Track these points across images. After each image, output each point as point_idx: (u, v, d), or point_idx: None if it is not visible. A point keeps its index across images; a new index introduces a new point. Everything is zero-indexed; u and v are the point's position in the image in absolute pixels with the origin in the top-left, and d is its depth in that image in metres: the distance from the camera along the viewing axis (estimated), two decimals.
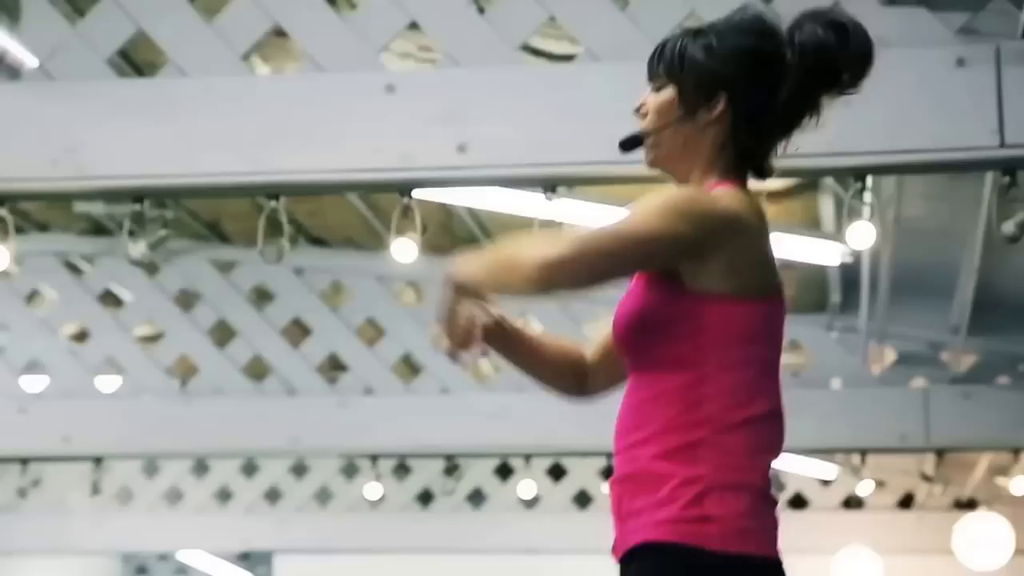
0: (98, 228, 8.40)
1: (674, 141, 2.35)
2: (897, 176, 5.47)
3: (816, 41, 2.36)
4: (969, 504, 10.15)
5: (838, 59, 2.36)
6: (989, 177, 4.82)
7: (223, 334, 8.52)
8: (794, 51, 2.35)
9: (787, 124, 2.38)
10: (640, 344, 2.30)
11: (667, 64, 2.36)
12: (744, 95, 2.33)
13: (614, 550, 2.29)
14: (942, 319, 7.49)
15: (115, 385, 8.55)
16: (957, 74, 3.99)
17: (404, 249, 4.47)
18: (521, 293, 2.32)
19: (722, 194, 2.31)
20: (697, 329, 2.26)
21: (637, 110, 2.41)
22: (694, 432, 2.24)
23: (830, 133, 4.08)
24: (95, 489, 9.18)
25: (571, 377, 2.58)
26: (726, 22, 2.39)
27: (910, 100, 4.00)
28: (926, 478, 9.16)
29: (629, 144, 2.39)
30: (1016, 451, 8.41)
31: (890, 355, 8.25)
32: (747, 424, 2.24)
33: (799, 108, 2.37)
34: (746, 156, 2.37)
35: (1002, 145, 3.95)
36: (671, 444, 2.24)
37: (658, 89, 2.38)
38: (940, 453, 8.40)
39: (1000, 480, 9.44)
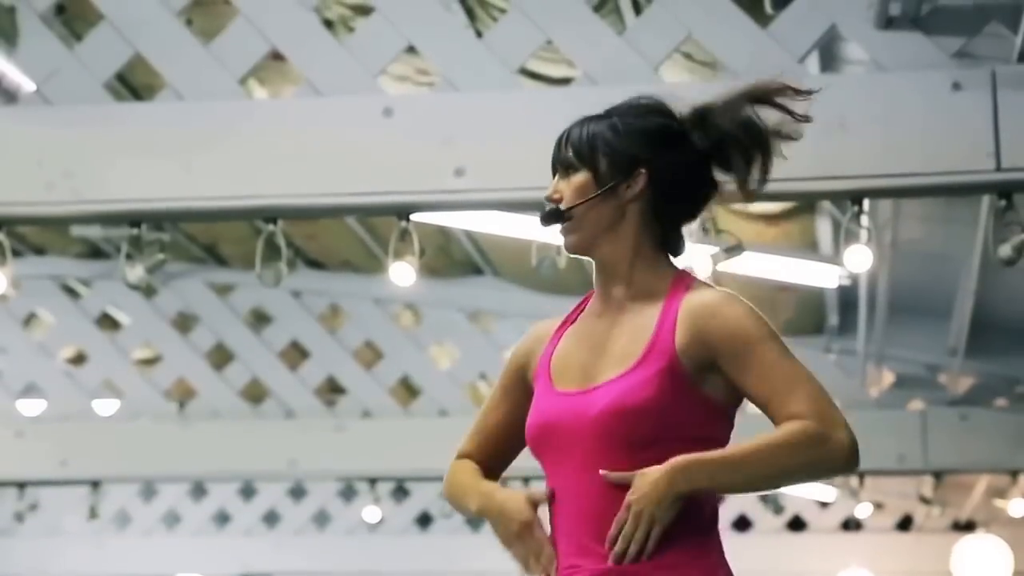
0: (95, 251, 8.41)
1: (597, 221, 2.32)
2: (894, 199, 5.47)
3: (725, 131, 2.34)
4: (967, 526, 10.15)
5: (747, 150, 2.34)
6: (985, 200, 4.83)
7: (221, 357, 8.52)
8: (702, 133, 2.34)
9: (699, 202, 2.38)
10: (635, 444, 2.23)
11: (577, 149, 2.33)
12: (661, 170, 2.32)
13: None
14: (940, 341, 7.49)
15: (112, 408, 8.55)
16: (953, 98, 3.99)
17: (402, 272, 4.47)
18: (826, 474, 2.28)
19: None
20: (702, 437, 2.26)
21: (548, 198, 2.36)
22: (685, 530, 2.27)
23: (827, 157, 4.11)
24: (92, 513, 9.16)
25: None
26: (626, 106, 2.39)
27: (906, 123, 4.01)
28: (924, 500, 9.15)
29: (549, 218, 2.34)
30: (1014, 473, 8.41)
31: (888, 377, 8.26)
32: None
33: (709, 188, 2.36)
34: (668, 235, 2.36)
35: (998, 169, 3.95)
36: (681, 543, 2.26)
37: (568, 176, 2.34)
38: (938, 475, 8.40)
39: (998, 502, 9.43)
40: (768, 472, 2.20)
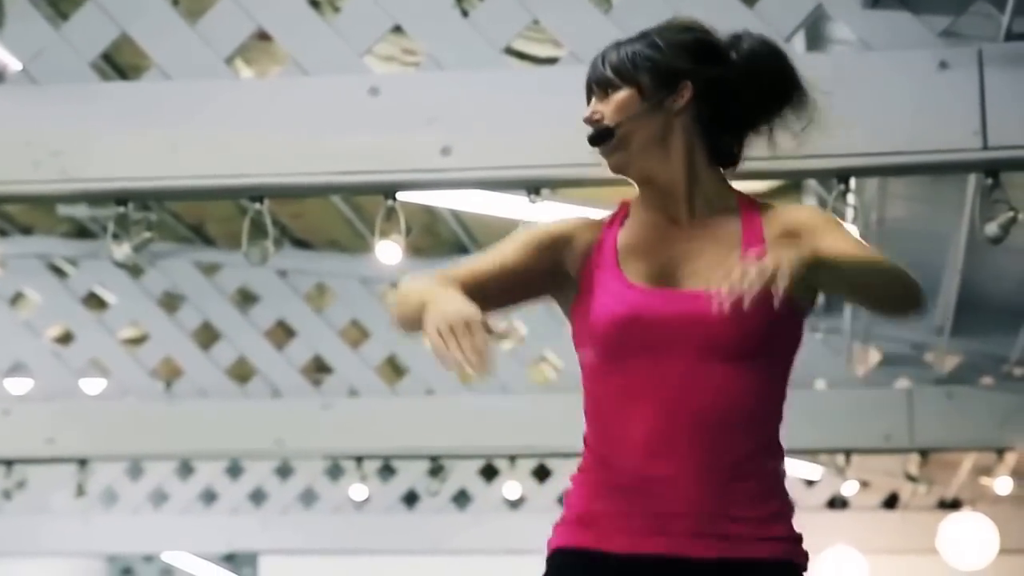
0: (82, 230, 8.39)
1: (645, 136, 2.28)
2: (880, 178, 5.48)
3: (761, 49, 2.34)
4: (953, 504, 10.18)
5: (783, 68, 2.34)
6: (972, 179, 4.84)
7: (207, 336, 8.51)
8: (739, 52, 2.34)
9: (748, 117, 2.36)
10: (760, 353, 2.23)
11: (617, 68, 2.31)
12: (706, 81, 2.30)
13: (684, 543, 2.19)
14: (926, 320, 7.51)
15: (99, 387, 8.55)
16: (940, 76, 4.00)
17: (388, 251, 4.47)
18: (898, 301, 2.24)
19: None
20: (797, 344, 2.32)
21: (588, 119, 2.34)
22: (781, 449, 2.32)
23: (813, 135, 4.10)
24: (80, 491, 9.16)
25: None
26: (662, 26, 2.39)
27: (893, 102, 4.01)
28: (910, 478, 9.18)
29: (599, 138, 2.30)
30: (1000, 451, 8.43)
31: (874, 356, 8.27)
32: None
33: (757, 102, 2.34)
34: (720, 148, 2.34)
35: (985, 147, 3.96)
36: (777, 460, 2.30)
37: (607, 96, 2.32)
38: (924, 453, 8.42)
39: (984, 480, 9.46)
40: (872, 274, 2.20)
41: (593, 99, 2.35)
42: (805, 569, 2.26)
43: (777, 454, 2.28)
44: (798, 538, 2.26)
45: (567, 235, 2.35)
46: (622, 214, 2.37)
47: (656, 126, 2.29)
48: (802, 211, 2.34)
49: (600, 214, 2.38)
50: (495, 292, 2.35)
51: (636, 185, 2.35)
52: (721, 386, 2.21)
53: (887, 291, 2.23)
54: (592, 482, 2.28)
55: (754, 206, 2.32)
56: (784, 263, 2.05)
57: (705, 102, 2.31)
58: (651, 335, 2.22)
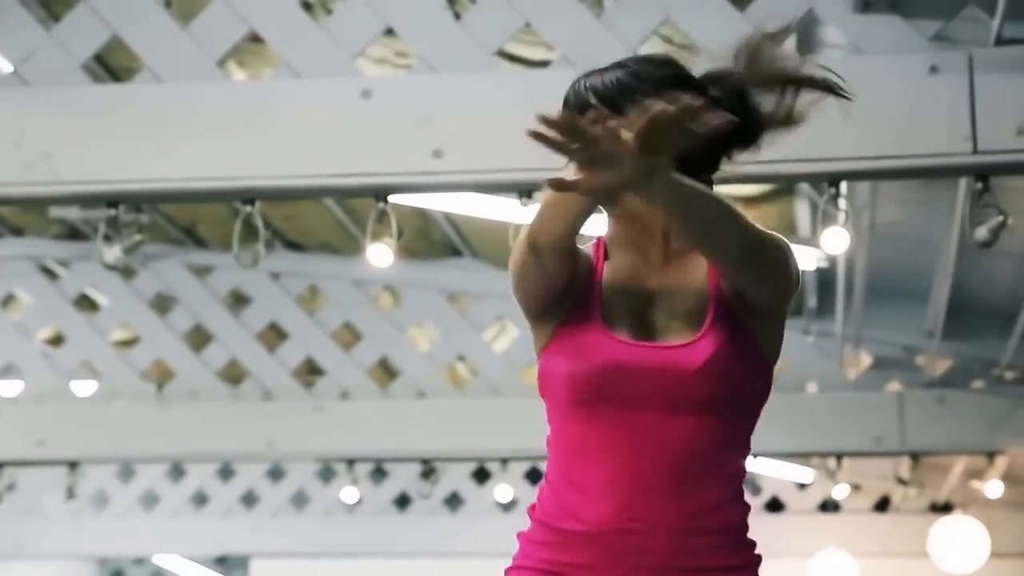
0: (73, 232, 8.39)
1: None
2: (871, 182, 5.49)
3: (737, 88, 2.32)
4: (944, 507, 10.19)
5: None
6: (962, 183, 4.85)
7: (199, 338, 8.51)
8: (722, 87, 2.31)
9: (724, 153, 2.33)
10: (731, 405, 2.22)
11: (604, 97, 2.26)
12: None
13: None
14: (917, 323, 7.53)
15: (90, 389, 8.54)
16: (930, 81, 4.01)
17: (380, 254, 4.48)
18: (723, 234, 2.12)
19: None
20: (764, 399, 2.28)
21: None
22: (746, 504, 2.31)
23: (804, 139, 4.10)
24: (70, 493, 9.14)
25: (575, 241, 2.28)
26: (639, 59, 2.34)
27: (884, 106, 4.02)
28: (902, 481, 9.19)
29: None
30: (991, 455, 8.44)
31: (866, 359, 8.29)
32: None
33: (735, 139, 2.30)
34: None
35: (975, 151, 3.97)
36: (743, 512, 2.28)
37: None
38: (915, 457, 8.43)
39: (975, 483, 9.47)
40: (709, 212, 2.11)
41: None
42: None
43: (743, 505, 2.28)
44: None
45: (579, 256, 2.31)
46: (601, 252, 2.34)
47: None
48: None
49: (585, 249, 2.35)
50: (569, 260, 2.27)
51: (611, 219, 2.33)
52: (690, 439, 2.20)
53: (716, 224, 2.13)
54: (557, 529, 2.25)
55: None
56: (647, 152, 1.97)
57: None
58: (625, 388, 2.22)
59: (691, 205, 2.09)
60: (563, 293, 2.28)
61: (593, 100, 2.27)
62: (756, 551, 2.28)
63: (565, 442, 2.27)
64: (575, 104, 2.31)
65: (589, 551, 2.21)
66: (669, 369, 2.21)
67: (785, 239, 2.27)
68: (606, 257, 2.33)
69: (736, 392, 2.23)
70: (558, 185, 2.00)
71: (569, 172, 2.04)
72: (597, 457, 2.22)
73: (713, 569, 2.21)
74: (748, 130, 2.32)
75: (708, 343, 2.22)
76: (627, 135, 1.96)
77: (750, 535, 2.28)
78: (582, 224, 2.21)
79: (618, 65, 2.32)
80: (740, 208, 2.17)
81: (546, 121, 1.94)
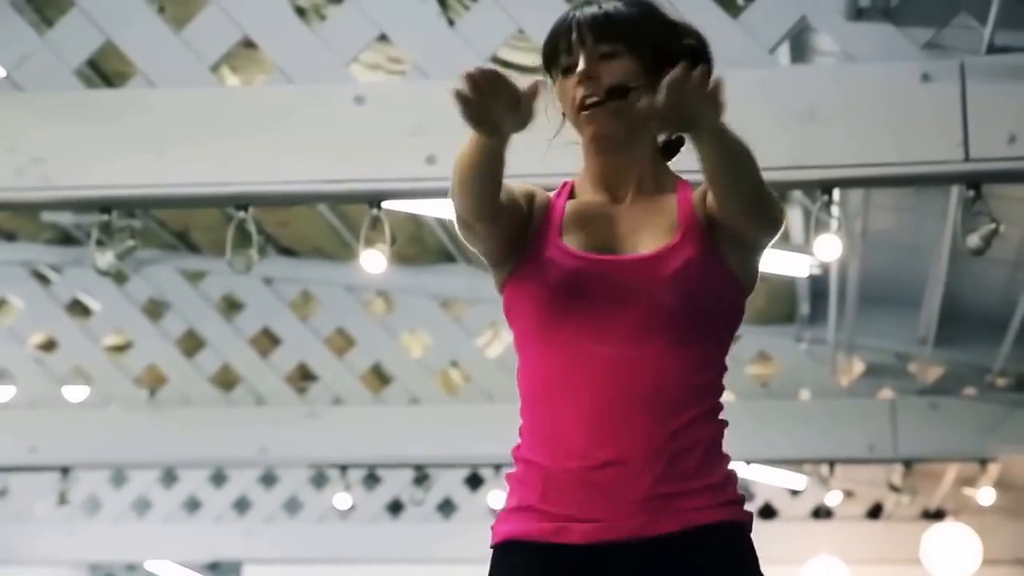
0: (66, 237, 8.38)
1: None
2: (863, 189, 5.50)
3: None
4: (937, 514, 10.20)
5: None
6: (955, 191, 4.86)
7: (192, 344, 8.50)
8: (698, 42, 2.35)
9: None
10: (702, 317, 2.21)
11: (623, 34, 2.25)
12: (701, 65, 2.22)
13: (644, 524, 2.15)
14: (909, 331, 7.53)
15: (83, 395, 8.53)
16: (922, 89, 4.02)
17: (373, 260, 4.48)
18: (742, 181, 2.14)
19: None
20: (737, 319, 2.29)
21: (587, 75, 2.24)
22: (723, 421, 2.29)
23: (797, 146, 4.13)
24: (62, 499, 9.13)
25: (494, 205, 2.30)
26: (655, 4, 2.35)
27: (876, 114, 4.03)
28: (894, 488, 9.20)
29: (618, 92, 2.20)
30: (983, 462, 8.45)
31: (858, 366, 8.29)
32: None
33: None
34: (670, 139, 2.35)
35: (967, 159, 3.98)
36: (719, 428, 2.26)
37: (610, 56, 2.25)
38: (908, 463, 8.44)
39: (967, 490, 9.48)
40: (745, 162, 2.13)
41: (582, 55, 2.27)
42: (751, 528, 2.26)
43: (718, 423, 2.26)
44: (742, 499, 2.27)
45: (534, 197, 2.33)
46: (566, 191, 2.34)
47: None
48: None
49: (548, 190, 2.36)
50: (509, 210, 2.28)
51: (594, 159, 2.31)
52: (657, 361, 2.19)
53: (751, 179, 2.16)
54: (537, 470, 2.22)
55: (686, 185, 2.32)
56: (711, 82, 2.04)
57: None
58: (592, 302, 2.20)
59: (734, 151, 2.12)
60: (518, 237, 2.28)
61: (613, 37, 2.26)
62: (730, 466, 2.26)
63: (536, 372, 2.25)
64: (591, 24, 2.29)
65: (572, 489, 2.19)
66: (640, 277, 2.20)
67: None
68: (571, 197, 2.33)
69: (704, 305, 2.22)
70: (644, 109, 2.04)
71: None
72: (567, 387, 2.20)
73: (697, 490, 2.19)
74: None
75: (676, 254, 2.21)
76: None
77: (725, 449, 2.26)
78: (493, 188, 2.20)
79: (637, 3, 2.32)
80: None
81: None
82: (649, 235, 2.24)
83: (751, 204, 2.18)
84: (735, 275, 2.25)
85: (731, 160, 2.12)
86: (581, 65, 2.27)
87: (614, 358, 2.19)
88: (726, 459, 2.27)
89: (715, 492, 2.21)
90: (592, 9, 2.30)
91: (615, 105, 2.24)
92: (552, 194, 2.34)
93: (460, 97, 2.09)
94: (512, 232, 2.27)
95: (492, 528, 2.32)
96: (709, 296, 2.22)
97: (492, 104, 2.10)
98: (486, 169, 2.18)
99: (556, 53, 2.33)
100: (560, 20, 2.34)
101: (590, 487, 2.18)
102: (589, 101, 2.26)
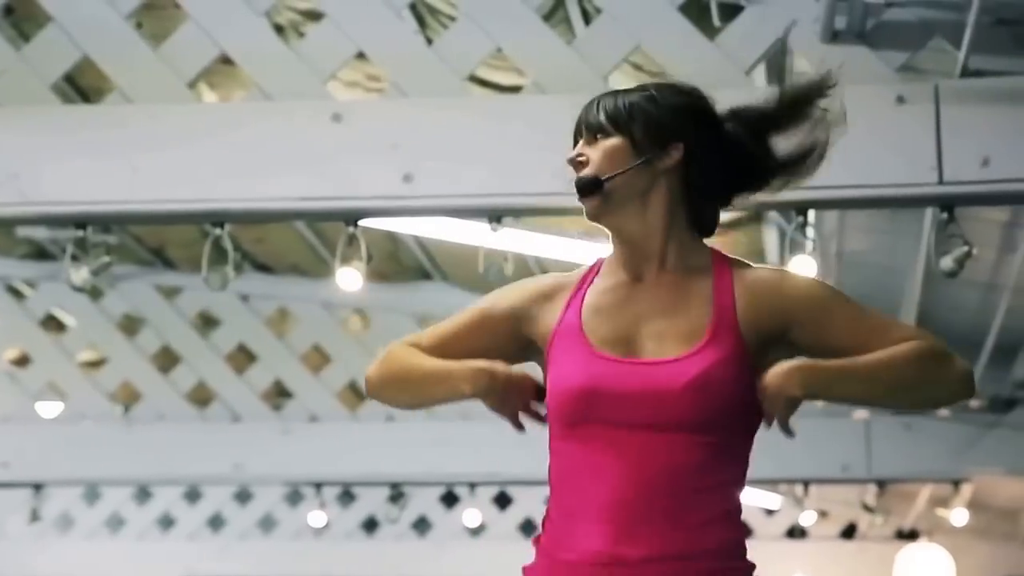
0: (41, 253, 8.35)
1: (628, 191, 2.25)
2: (839, 210, 5.52)
3: (760, 114, 2.35)
4: (910, 535, 10.24)
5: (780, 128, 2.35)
6: (929, 213, 4.88)
7: (167, 360, 8.48)
8: (736, 120, 2.34)
9: (732, 185, 2.34)
10: (718, 425, 2.20)
11: (613, 115, 2.27)
12: (698, 146, 2.28)
13: None
14: None
15: (56, 411, 8.50)
16: (897, 111, 4.04)
17: (349, 277, 4.47)
18: (938, 393, 2.22)
19: None
20: (759, 420, 2.26)
21: (573, 160, 2.29)
22: (741, 524, 2.28)
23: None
24: (34, 516, 9.09)
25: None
26: (661, 84, 2.36)
27: (851, 136, 4.02)
28: (868, 508, 9.22)
29: (587, 188, 2.25)
30: (956, 483, 8.49)
31: None
32: None
33: (747, 170, 2.32)
34: (700, 213, 2.31)
35: (940, 182, 4.00)
36: (737, 533, 2.26)
37: (595, 142, 2.28)
38: (882, 484, 8.47)
39: (940, 511, 9.51)
40: (888, 383, 2.15)
41: (580, 141, 2.31)
42: None
43: (737, 527, 2.25)
44: None
45: (524, 308, 2.33)
46: (594, 272, 2.34)
47: (641, 182, 2.26)
48: (797, 285, 2.28)
49: (576, 269, 2.36)
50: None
51: (610, 238, 2.33)
52: (678, 457, 2.18)
53: (921, 390, 2.21)
54: (557, 560, 2.23)
55: (726, 263, 2.30)
56: (784, 391, 2.12)
57: (694, 167, 2.28)
58: (611, 406, 2.20)
59: (870, 390, 2.19)
60: (519, 341, 2.33)
61: (603, 119, 2.29)
62: (751, 566, 2.26)
63: (559, 467, 2.26)
64: (584, 120, 2.33)
65: None
66: (652, 385, 2.19)
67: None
68: (594, 278, 2.33)
69: (724, 412, 2.20)
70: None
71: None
72: (588, 481, 2.21)
73: None
74: (760, 171, 2.33)
75: (698, 360, 2.19)
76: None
77: (747, 557, 2.26)
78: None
79: (639, 88, 2.34)
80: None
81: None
82: (672, 330, 2.23)
83: (933, 400, 2.26)
84: (761, 372, 2.20)
85: (877, 398, 2.22)
86: (572, 152, 2.32)
87: (630, 457, 2.19)
88: (745, 568, 2.26)
89: None
90: (593, 103, 2.34)
91: (588, 198, 2.28)
92: (579, 275, 2.35)
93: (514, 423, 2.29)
94: (515, 348, 2.35)
95: None
96: (729, 401, 2.20)
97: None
98: (438, 400, 2.38)
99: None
100: (585, 107, 2.38)
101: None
102: (577, 191, 2.31)
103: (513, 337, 2.33)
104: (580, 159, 2.29)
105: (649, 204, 2.27)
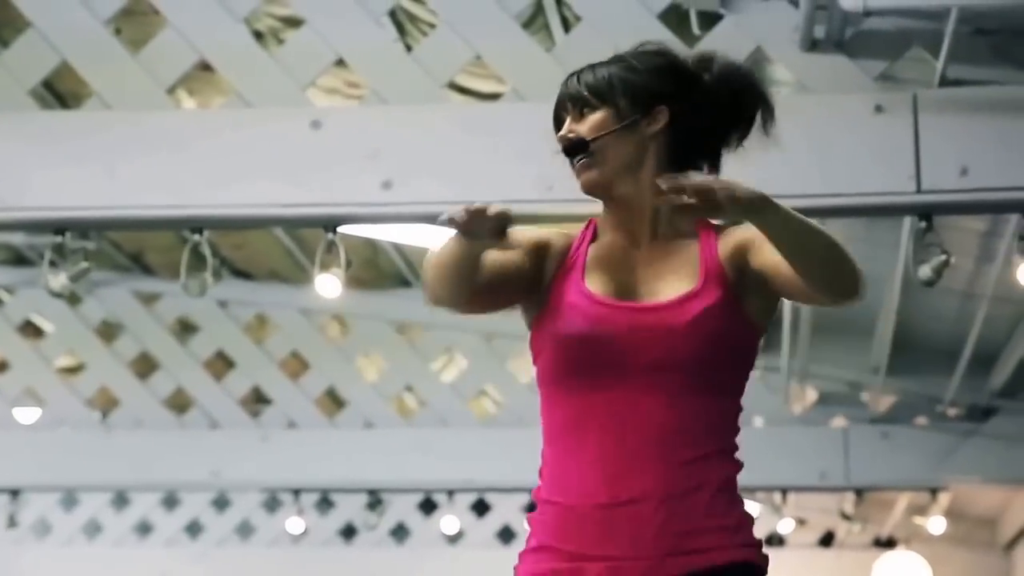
0: (18, 258, 8.33)
1: (618, 158, 2.28)
2: (817, 219, 5.53)
3: (733, 69, 2.38)
4: (888, 543, 10.25)
5: (753, 89, 2.38)
6: (907, 222, 4.90)
7: (145, 366, 8.46)
8: (711, 75, 2.37)
9: (720, 140, 2.38)
10: (716, 365, 2.26)
11: (594, 87, 2.31)
12: (682, 106, 2.31)
13: (657, 564, 2.20)
14: (862, 360, 7.58)
15: (34, 417, 8.47)
16: (875, 120, 4.05)
17: (328, 284, 4.47)
18: (823, 264, 2.18)
19: None
20: (752, 360, 2.33)
21: (564, 137, 2.32)
22: (737, 461, 2.34)
23: (750, 176, 4.14)
24: (11, 522, 9.05)
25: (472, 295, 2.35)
26: (635, 50, 2.40)
27: (829, 145, 4.06)
28: (846, 517, 9.24)
29: (574, 149, 2.29)
30: (934, 491, 8.51)
31: (811, 395, 8.33)
32: None
33: (731, 123, 2.36)
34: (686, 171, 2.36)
35: (918, 191, 4.01)
36: (733, 469, 2.32)
37: (582, 117, 2.31)
38: (859, 492, 8.48)
39: (918, 519, 9.53)
40: (812, 238, 2.16)
41: (567, 119, 2.34)
42: (766, 571, 2.30)
43: (733, 463, 2.32)
44: (760, 543, 2.31)
45: (548, 242, 2.37)
46: (590, 232, 2.39)
47: (630, 148, 2.30)
48: (745, 227, 2.31)
49: (572, 230, 2.39)
50: (497, 284, 2.32)
51: (604, 204, 2.37)
52: (671, 403, 2.24)
53: (827, 263, 2.20)
54: (554, 510, 2.28)
55: (710, 228, 2.35)
56: (731, 186, 2.09)
57: (679, 126, 2.32)
58: (611, 348, 2.25)
59: (804, 233, 2.16)
60: (526, 292, 2.33)
61: (586, 92, 2.32)
62: (745, 508, 2.31)
63: (555, 415, 2.30)
64: (566, 95, 2.36)
65: (589, 528, 2.24)
66: (657, 325, 2.24)
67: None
68: (595, 237, 2.37)
69: (721, 353, 2.26)
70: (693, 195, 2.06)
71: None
72: (586, 428, 2.25)
73: (712, 529, 2.24)
74: (737, 121, 2.37)
75: (696, 303, 2.25)
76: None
77: (740, 493, 2.32)
78: (470, 280, 2.26)
79: (615, 59, 2.37)
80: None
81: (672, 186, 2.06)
82: (669, 281, 2.29)
83: (827, 281, 2.21)
84: (753, 320, 2.29)
85: (793, 240, 2.17)
86: (564, 129, 2.35)
87: (628, 401, 2.24)
88: (740, 501, 2.31)
89: (730, 533, 2.26)
90: (572, 78, 2.37)
91: (580, 163, 2.31)
92: (576, 235, 2.39)
93: (451, 223, 2.19)
94: (512, 295, 2.33)
95: (514, 569, 2.35)
96: (725, 343, 2.27)
97: (477, 228, 2.19)
98: (466, 267, 2.25)
99: (560, 123, 2.39)
100: (564, 84, 2.40)
101: (605, 526, 2.23)
102: (565, 153, 2.34)
103: (533, 274, 2.34)
104: (571, 135, 2.33)
105: (641, 169, 2.31)
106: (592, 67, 2.36)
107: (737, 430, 2.34)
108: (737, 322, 2.27)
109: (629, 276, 2.31)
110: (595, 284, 2.30)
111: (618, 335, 2.25)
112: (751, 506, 10.19)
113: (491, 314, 2.38)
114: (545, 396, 2.33)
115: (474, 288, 2.27)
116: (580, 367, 2.27)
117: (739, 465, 2.33)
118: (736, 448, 2.33)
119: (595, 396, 2.25)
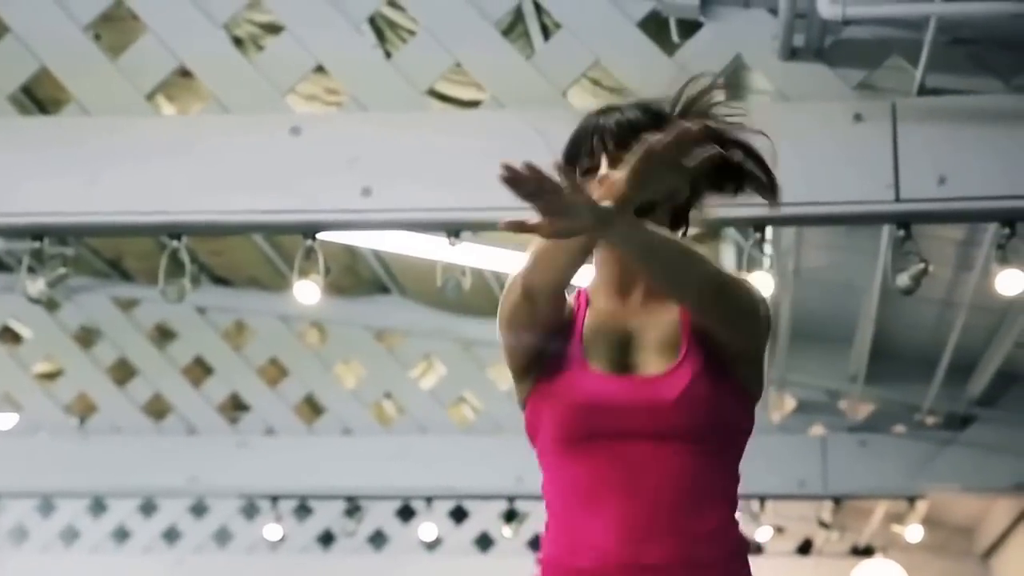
0: None
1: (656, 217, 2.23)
2: (796, 227, 5.55)
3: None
4: (866, 551, 10.27)
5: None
6: (885, 230, 4.91)
7: (123, 372, 8.43)
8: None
9: (707, 194, 2.38)
10: (716, 429, 2.26)
11: (617, 138, 2.26)
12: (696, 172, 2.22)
13: None
14: (841, 368, 7.59)
15: (11, 422, 8.43)
16: (855, 129, 4.07)
17: (306, 290, 4.47)
18: (684, 276, 2.15)
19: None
20: (747, 426, 2.31)
21: (607, 179, 2.21)
22: (742, 533, 2.34)
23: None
24: None
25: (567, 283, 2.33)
26: (654, 101, 2.38)
27: (809, 153, 4.07)
28: (824, 525, 9.25)
29: (648, 209, 2.19)
30: (911, 499, 8.53)
31: (789, 403, 8.35)
32: None
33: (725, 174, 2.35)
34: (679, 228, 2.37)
35: (897, 199, 4.03)
36: (741, 532, 2.32)
37: (617, 165, 2.22)
38: (837, 500, 8.50)
39: (896, 527, 9.55)
40: (664, 258, 2.13)
41: (604, 160, 2.29)
42: None
43: (740, 532, 2.33)
44: None
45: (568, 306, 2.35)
46: (584, 301, 2.37)
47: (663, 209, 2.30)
48: None
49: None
50: (562, 297, 2.30)
51: (609, 263, 2.34)
52: (682, 466, 2.25)
53: (672, 267, 2.16)
54: (569, 567, 2.26)
55: None
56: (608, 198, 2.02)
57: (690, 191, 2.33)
58: (611, 420, 2.25)
59: (651, 249, 2.13)
60: (547, 343, 2.31)
61: (607, 141, 2.29)
62: (751, 568, 2.32)
63: (562, 483, 2.30)
64: (614, 134, 2.31)
65: None
66: (648, 400, 2.25)
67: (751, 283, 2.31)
68: (587, 304, 2.37)
69: (714, 421, 2.26)
70: (516, 227, 2.02)
71: (530, 215, 2.06)
72: (597, 494, 2.26)
73: None
74: (733, 174, 2.37)
75: (682, 373, 2.25)
76: (614, 175, 2.01)
77: (746, 561, 2.32)
78: (575, 270, 2.23)
79: (638, 106, 2.35)
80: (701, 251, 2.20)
81: (511, 172, 1.97)
82: (657, 348, 2.28)
83: (702, 303, 2.19)
84: (740, 384, 2.28)
85: (652, 262, 2.14)
86: (602, 169, 2.29)
87: (639, 464, 2.24)
88: (748, 564, 2.32)
89: None
90: (614, 116, 2.33)
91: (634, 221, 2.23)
92: (572, 301, 2.37)
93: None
94: (554, 327, 2.31)
95: None
96: (716, 411, 2.26)
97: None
98: (583, 250, 2.20)
99: (577, 155, 2.34)
100: (583, 125, 2.36)
101: None
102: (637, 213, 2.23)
103: (560, 322, 2.32)
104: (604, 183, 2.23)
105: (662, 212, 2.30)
106: (622, 111, 2.33)
107: (737, 501, 2.33)
108: (726, 387, 2.27)
109: (624, 344, 2.30)
110: (593, 354, 2.30)
111: (616, 407, 2.25)
112: None
113: (544, 318, 2.30)
114: (547, 467, 2.33)
115: (567, 284, 2.25)
116: (580, 438, 2.27)
117: (746, 540, 2.34)
118: (737, 522, 2.33)
119: (605, 462, 2.25)
